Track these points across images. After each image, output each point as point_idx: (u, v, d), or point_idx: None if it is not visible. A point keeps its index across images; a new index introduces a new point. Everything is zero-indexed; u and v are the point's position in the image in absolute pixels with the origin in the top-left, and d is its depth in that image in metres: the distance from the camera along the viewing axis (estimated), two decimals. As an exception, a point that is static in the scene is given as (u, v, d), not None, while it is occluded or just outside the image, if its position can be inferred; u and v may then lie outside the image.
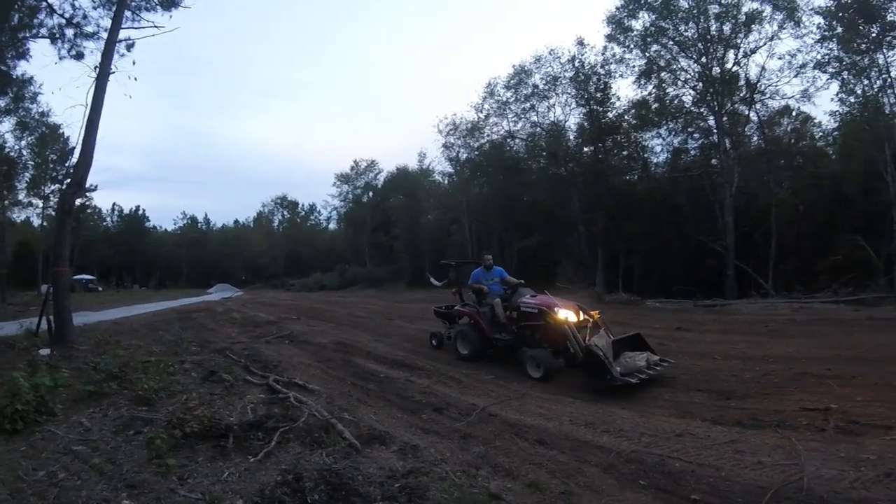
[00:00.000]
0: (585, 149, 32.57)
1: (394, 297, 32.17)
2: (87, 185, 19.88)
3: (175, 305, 30.03)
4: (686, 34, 26.98)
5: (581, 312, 8.94)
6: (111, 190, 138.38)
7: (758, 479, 4.74)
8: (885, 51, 22.50)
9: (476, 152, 37.41)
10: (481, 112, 34.88)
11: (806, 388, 7.28)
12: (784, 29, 25.08)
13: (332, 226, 79.09)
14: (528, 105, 33.06)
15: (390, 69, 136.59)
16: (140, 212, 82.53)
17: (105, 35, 13.75)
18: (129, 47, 14.49)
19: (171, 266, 79.29)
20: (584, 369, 8.04)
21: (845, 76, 24.08)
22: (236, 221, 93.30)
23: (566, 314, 8.73)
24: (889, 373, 7.65)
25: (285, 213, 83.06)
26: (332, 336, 14.00)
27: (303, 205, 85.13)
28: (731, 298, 22.46)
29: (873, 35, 22.41)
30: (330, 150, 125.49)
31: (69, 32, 14.99)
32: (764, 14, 25.32)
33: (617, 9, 28.04)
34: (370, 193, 58.94)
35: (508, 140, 35.32)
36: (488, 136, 35.91)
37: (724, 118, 26.98)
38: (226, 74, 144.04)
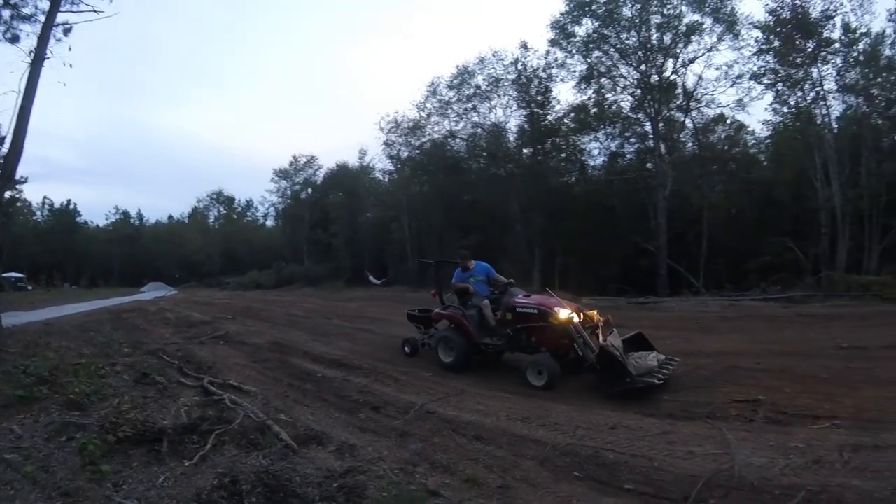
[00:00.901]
0: (525, 150, 33.08)
1: (332, 296, 31.75)
2: (17, 176, 18.95)
3: (107, 305, 28.89)
4: (627, 42, 27.90)
5: (581, 313, 8.42)
6: (41, 182, 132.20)
7: (690, 468, 4.86)
8: (819, 65, 23.88)
9: (417, 151, 37.47)
10: (423, 111, 35.10)
11: (735, 381, 7.50)
12: (723, 41, 26.47)
13: (270, 222, 77.41)
14: (469, 105, 33.46)
15: (336, 62, 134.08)
16: (71, 206, 78.89)
17: (42, 18, 13.12)
18: (67, 31, 13.73)
19: (102, 264, 76.41)
20: (597, 372, 7.63)
21: (780, 87, 25.46)
22: (170, 217, 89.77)
23: (568, 314, 8.16)
24: (816, 366, 7.96)
25: (221, 208, 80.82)
26: (269, 336, 13.65)
27: (239, 200, 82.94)
28: (663, 296, 23.30)
29: (809, 50, 23.69)
30: (270, 144, 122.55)
31: (6, 14, 14.19)
32: (704, 26, 26.55)
33: (562, 14, 28.70)
34: (309, 190, 57.96)
35: (449, 139, 35.58)
36: (430, 134, 36.16)
37: (661, 124, 28.00)
38: (161, 63, 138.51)
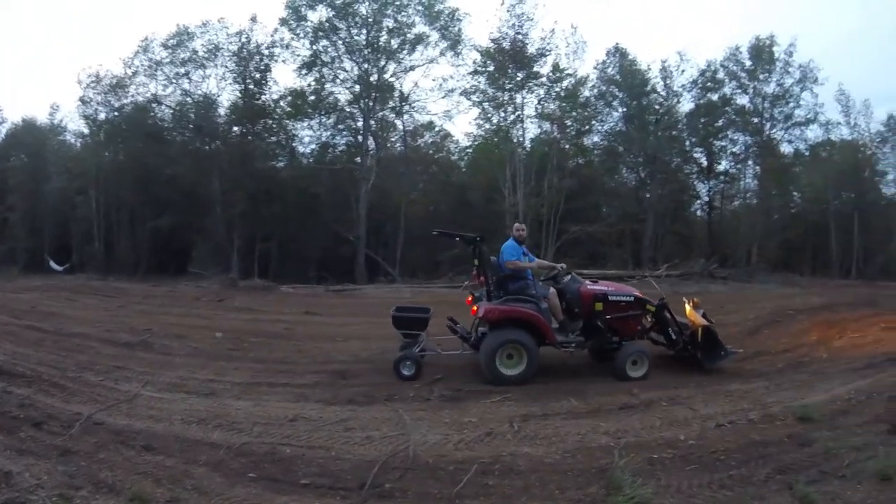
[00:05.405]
0: (235, 128, 31.64)
1: (4, 287, 26.84)
2: None
3: None
4: (357, 38, 28.41)
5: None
6: None
7: (366, 453, 5.01)
8: (524, 93, 27.56)
9: (116, 113, 33.15)
10: (130, 68, 31.28)
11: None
12: (444, 56, 28.62)
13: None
14: (182, 70, 30.39)
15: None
16: None
17: None
18: None
19: None
20: (687, 353, 7.97)
21: (486, 106, 28.60)
22: None
23: (659, 299, 8.10)
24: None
25: None
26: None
27: None
28: (361, 283, 24.71)
29: (518, 79, 27.03)
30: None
31: None
32: (430, 39, 28.37)
33: (300, -5, 28.10)
34: (-14, 150, 48.09)
35: (154, 105, 32.25)
36: (133, 96, 32.15)
37: (373, 122, 29.46)
38: None
